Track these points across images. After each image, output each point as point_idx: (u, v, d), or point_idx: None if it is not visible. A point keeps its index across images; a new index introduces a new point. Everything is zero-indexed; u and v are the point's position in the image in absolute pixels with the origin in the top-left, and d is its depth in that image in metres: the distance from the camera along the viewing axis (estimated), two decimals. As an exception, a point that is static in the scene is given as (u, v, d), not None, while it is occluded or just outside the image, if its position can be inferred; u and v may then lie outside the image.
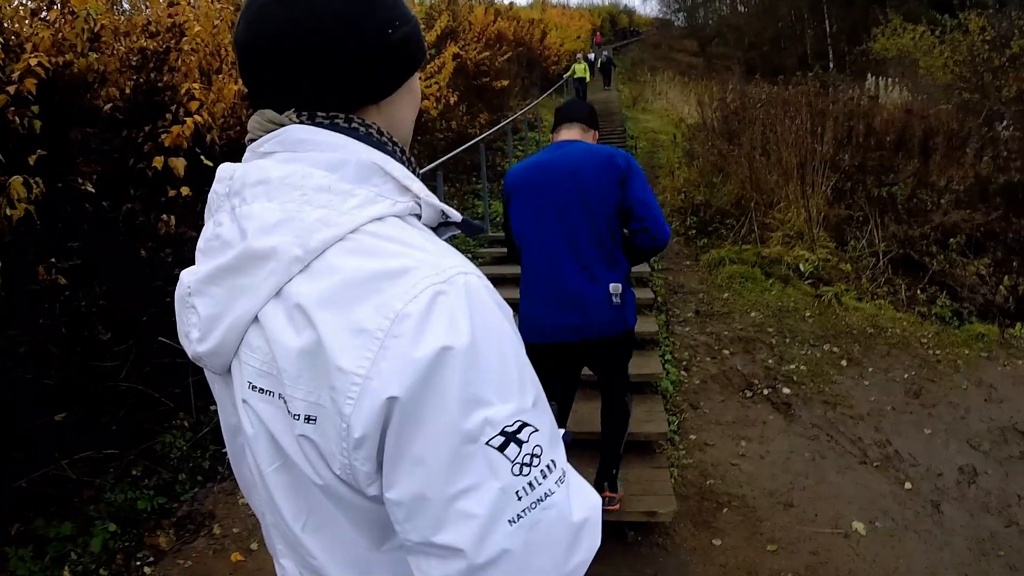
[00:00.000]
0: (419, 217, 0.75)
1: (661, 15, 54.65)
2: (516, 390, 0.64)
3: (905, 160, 9.13)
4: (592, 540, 0.67)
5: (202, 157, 3.93)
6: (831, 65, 27.48)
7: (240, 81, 4.35)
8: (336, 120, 0.75)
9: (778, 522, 3.61)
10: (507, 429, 0.62)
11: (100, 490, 3.62)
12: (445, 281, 0.63)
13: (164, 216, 3.90)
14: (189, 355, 0.79)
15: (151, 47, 4.26)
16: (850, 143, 9.03)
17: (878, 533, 3.54)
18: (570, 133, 2.90)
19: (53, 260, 3.46)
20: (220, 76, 4.53)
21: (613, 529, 3.38)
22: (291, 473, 0.71)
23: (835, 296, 6.33)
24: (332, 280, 0.64)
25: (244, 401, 0.73)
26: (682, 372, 5.23)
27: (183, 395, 4.20)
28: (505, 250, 3.77)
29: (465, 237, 6.90)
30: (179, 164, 3.76)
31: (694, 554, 3.38)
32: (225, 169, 0.77)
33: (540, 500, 0.63)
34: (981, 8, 20.70)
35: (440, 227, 0.80)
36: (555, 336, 2.72)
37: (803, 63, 24.53)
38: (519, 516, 0.62)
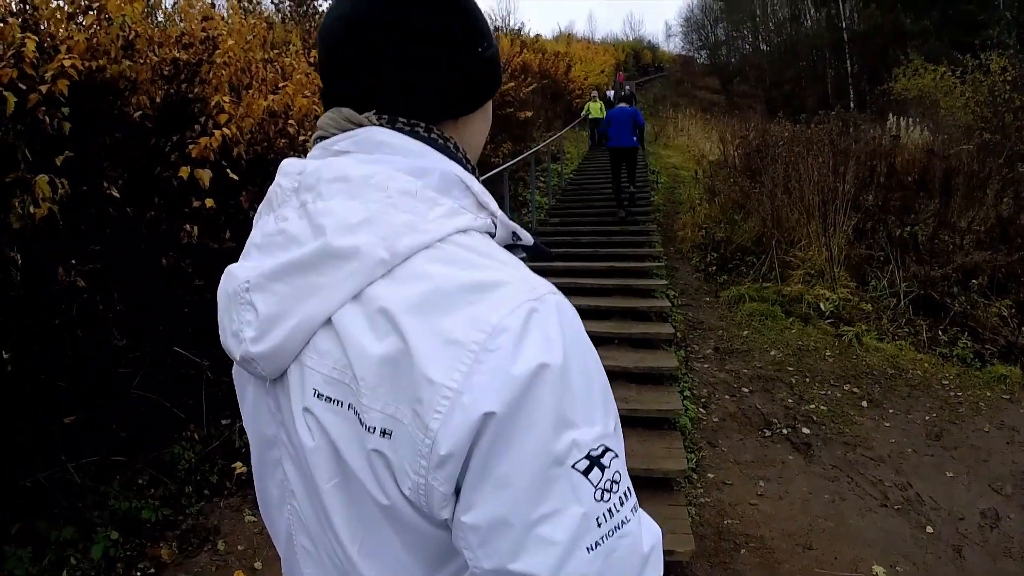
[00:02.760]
0: (493, 236, 0.73)
1: (684, 52, 55.10)
2: (601, 413, 0.62)
3: (926, 200, 9.06)
4: (657, 570, 0.65)
5: (228, 170, 3.98)
6: (852, 105, 27.42)
7: (270, 98, 4.45)
8: (417, 128, 0.74)
9: (797, 565, 3.56)
10: (592, 453, 0.60)
11: (105, 496, 3.58)
12: (538, 299, 0.62)
13: (187, 226, 3.91)
14: (236, 356, 0.73)
15: (184, 58, 4.30)
16: (872, 183, 8.98)
17: (898, 577, 3.48)
18: None
19: (73, 262, 3.45)
20: (250, 92, 4.55)
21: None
22: (350, 491, 0.66)
23: (856, 336, 6.28)
24: (422, 287, 0.61)
25: (306, 410, 0.67)
26: (701, 409, 5.21)
27: (195, 407, 4.17)
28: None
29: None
30: (205, 176, 3.78)
31: (712, 595, 3.34)
32: (292, 164, 0.75)
33: (617, 528, 0.61)
34: (1002, 48, 20.58)
35: (508, 247, 0.76)
36: None
37: (824, 102, 24.46)
38: (597, 544, 0.59)
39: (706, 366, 5.96)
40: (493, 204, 0.74)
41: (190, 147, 3.85)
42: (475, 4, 0.79)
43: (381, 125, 0.73)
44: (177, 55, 4.32)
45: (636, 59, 46.62)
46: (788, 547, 3.70)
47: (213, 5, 5.13)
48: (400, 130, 0.73)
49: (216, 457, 4.03)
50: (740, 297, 7.33)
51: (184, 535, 3.55)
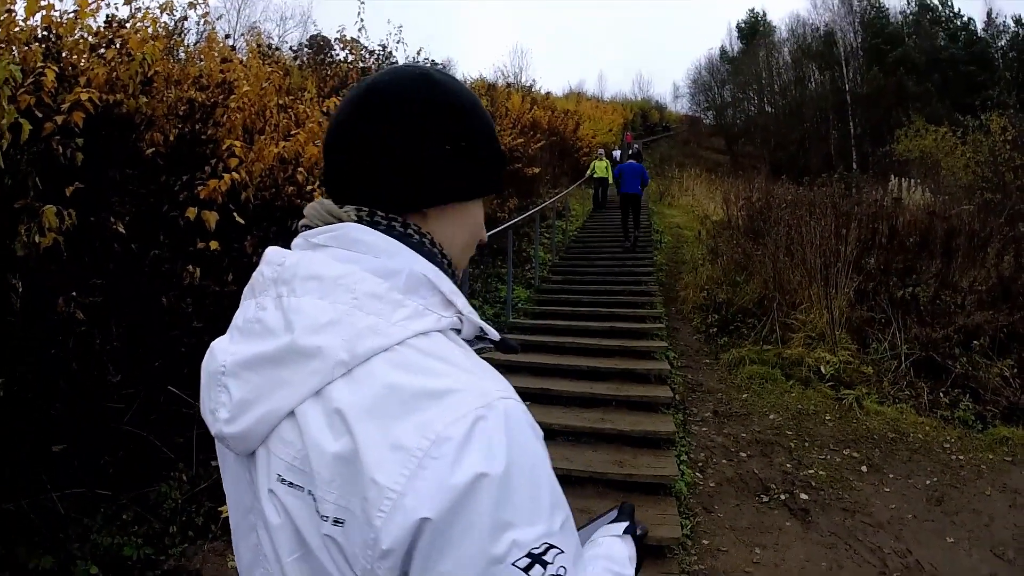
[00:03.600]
0: (459, 332, 0.77)
1: (691, 112, 55.76)
2: (546, 514, 0.65)
3: (928, 261, 9.10)
4: None
5: (235, 214, 4.02)
6: (855, 166, 27.81)
7: (280, 145, 4.52)
8: (393, 223, 0.79)
9: (794, 637, 3.51)
10: (533, 551, 0.63)
11: (87, 529, 3.55)
12: (486, 406, 0.65)
13: (190, 267, 3.94)
14: (212, 431, 0.78)
15: (199, 99, 4.40)
16: (874, 244, 9.04)
17: (899, 651, 3.42)
18: None
19: (74, 294, 3.48)
20: (262, 137, 4.59)
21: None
22: (311, 565, 0.69)
23: (856, 399, 6.25)
24: (375, 391, 0.65)
25: (271, 492, 0.72)
26: (697, 474, 5.17)
27: (185, 446, 4.16)
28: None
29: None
30: (211, 217, 3.83)
31: (704, 669, 3.30)
32: (275, 254, 0.79)
33: None
34: (1002, 108, 20.88)
35: (475, 339, 0.81)
36: None
37: (828, 163, 24.83)
38: None
39: (704, 429, 5.94)
40: (461, 301, 0.77)
41: (199, 188, 3.91)
42: (464, 106, 0.84)
43: (360, 219, 0.78)
44: (194, 95, 4.41)
45: (644, 118, 47.31)
46: (784, 617, 3.65)
47: (233, 48, 5.21)
48: (376, 225, 0.78)
49: (203, 499, 3.98)
50: (740, 359, 7.32)
51: (165, 575, 3.49)
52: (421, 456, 0.62)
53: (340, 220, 0.79)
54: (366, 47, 12.72)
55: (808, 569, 4.05)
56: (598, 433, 5.36)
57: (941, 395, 6.38)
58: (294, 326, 0.70)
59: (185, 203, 3.92)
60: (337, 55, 12.99)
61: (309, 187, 4.70)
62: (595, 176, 18.00)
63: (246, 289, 0.81)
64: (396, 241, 0.77)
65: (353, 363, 0.67)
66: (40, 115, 3.38)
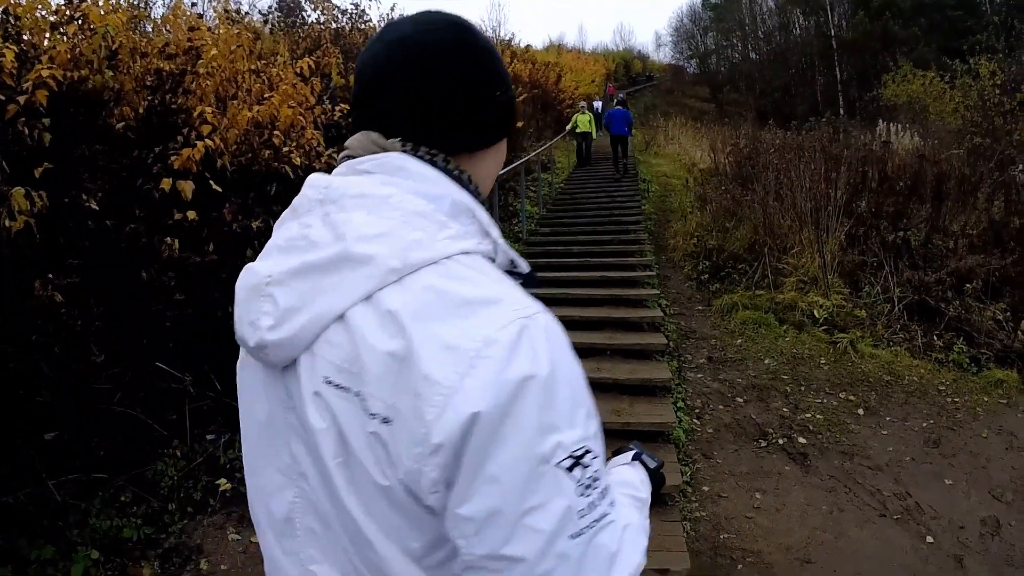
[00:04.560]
0: (493, 260, 0.81)
1: (674, 61, 55.25)
2: (583, 419, 0.70)
3: (918, 205, 9.06)
4: (631, 558, 0.73)
5: (211, 182, 3.92)
6: (842, 111, 27.66)
7: (254, 109, 4.41)
8: (436, 158, 0.82)
9: (795, 579, 3.49)
10: (575, 453, 0.67)
11: (86, 515, 3.51)
12: (529, 317, 0.69)
13: (168, 239, 3.84)
14: (250, 343, 0.80)
15: (167, 68, 4.25)
16: (864, 188, 8.97)
17: (900, 591, 3.41)
18: None
19: (51, 276, 3.38)
20: (235, 102, 4.48)
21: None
22: (352, 469, 0.72)
23: (850, 343, 6.24)
24: (427, 297, 0.69)
25: (316, 394, 0.74)
26: (695, 420, 5.14)
27: (178, 423, 4.10)
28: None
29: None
30: (187, 187, 3.75)
31: (709, 614, 3.27)
32: (319, 178, 0.82)
33: (597, 520, 0.69)
34: (991, 53, 20.75)
35: (506, 272, 0.83)
36: None
37: (814, 109, 24.65)
38: (579, 533, 0.68)
39: (700, 376, 5.90)
40: (496, 232, 0.83)
41: (172, 158, 3.79)
42: (494, 52, 0.89)
43: (405, 152, 0.81)
44: (161, 65, 4.26)
45: (626, 69, 46.76)
46: (786, 561, 3.64)
47: (201, 16, 5.08)
48: (421, 158, 0.81)
49: (200, 474, 3.95)
50: (733, 305, 7.28)
51: (166, 554, 3.47)
52: (473, 356, 0.66)
53: (386, 151, 0.82)
54: (338, 7, 12.33)
55: (809, 513, 4.04)
56: (593, 383, 5.18)
57: (935, 338, 6.39)
58: (345, 236, 0.74)
59: (159, 175, 3.81)
60: (309, 16, 12.63)
61: (286, 149, 4.61)
62: (578, 131, 16.84)
63: (285, 213, 0.84)
64: (438, 171, 0.81)
65: (404, 271, 0.71)
66: (3, 98, 3.25)
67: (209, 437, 4.20)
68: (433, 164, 0.82)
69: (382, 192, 0.76)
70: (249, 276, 0.81)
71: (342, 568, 0.79)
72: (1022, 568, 3.60)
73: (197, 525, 3.69)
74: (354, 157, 0.83)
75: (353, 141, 0.85)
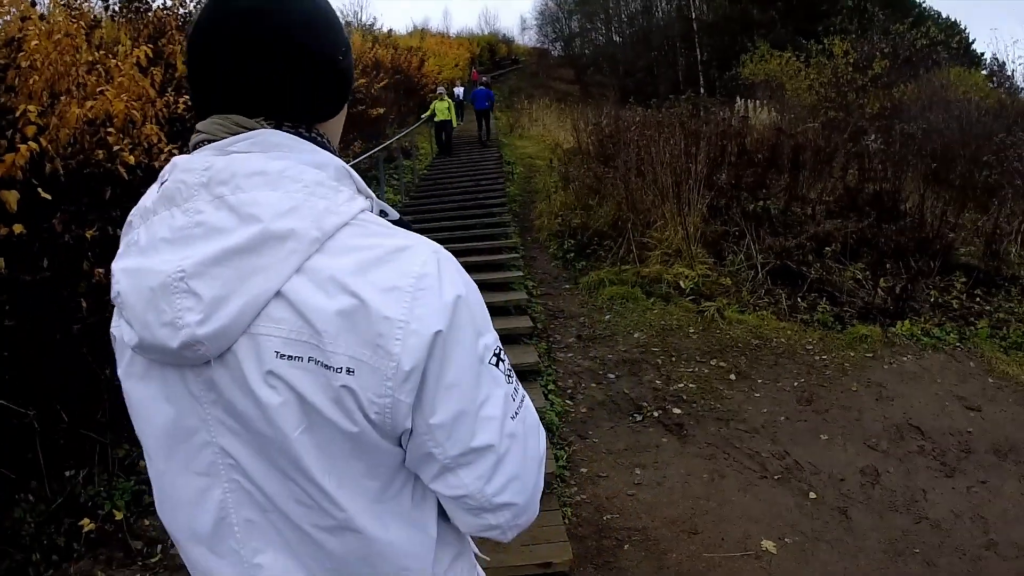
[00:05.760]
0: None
1: (539, 44, 56.33)
2: (491, 325, 0.88)
3: (776, 176, 9.58)
4: (542, 429, 0.96)
5: (40, 190, 3.68)
6: (702, 90, 29.03)
7: (86, 105, 4.20)
8: (300, 129, 0.90)
9: (684, 552, 3.49)
10: (495, 351, 0.87)
11: None
12: (437, 251, 0.84)
13: None
14: (173, 344, 0.79)
15: None
16: (724, 162, 9.38)
17: (789, 549, 3.48)
18: None
19: None
20: (65, 98, 4.15)
21: (506, 587, 3.16)
22: (316, 433, 0.80)
23: (717, 311, 6.42)
24: (355, 256, 0.80)
25: (269, 372, 0.79)
26: (567, 401, 5.08)
27: (31, 462, 3.83)
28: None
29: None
30: (11, 197, 3.50)
31: (598, 600, 3.18)
32: (193, 160, 0.84)
33: (523, 400, 0.91)
34: (844, 34, 22.55)
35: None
36: None
37: (676, 88, 25.65)
38: (516, 412, 0.88)
39: (570, 355, 5.87)
40: (367, 189, 0.93)
41: None
42: (335, 16, 0.96)
43: (269, 128, 0.87)
44: None
45: (491, 52, 47.28)
46: (672, 535, 3.63)
47: (34, 4, 4.54)
48: (287, 131, 0.88)
49: (62, 516, 3.76)
50: (600, 282, 7.36)
51: None
52: (413, 290, 0.79)
53: (251, 130, 0.86)
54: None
55: (690, 482, 4.05)
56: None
57: (799, 300, 6.70)
58: (259, 216, 0.78)
59: None
60: (154, 1, 11.82)
61: (118, 147, 4.29)
62: (436, 119, 16.38)
63: (150, 205, 0.85)
64: (308, 142, 0.88)
65: (324, 239, 0.80)
66: None
67: (68, 474, 3.97)
68: (299, 135, 0.88)
69: (276, 167, 0.82)
70: (146, 277, 0.81)
71: (286, 551, 0.88)
72: (905, 512, 3.77)
73: (64, 574, 3.51)
74: (212, 141, 0.86)
75: (210, 125, 0.88)
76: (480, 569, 1.12)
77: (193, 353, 0.80)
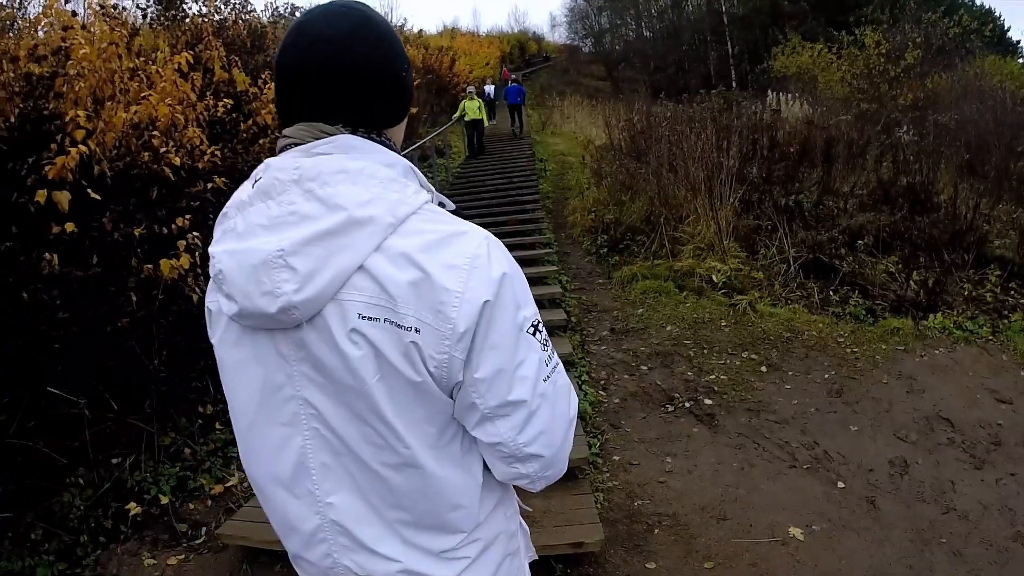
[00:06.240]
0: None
1: (569, 41, 56.15)
2: (532, 301, 1.04)
3: (809, 169, 9.55)
4: (575, 396, 1.12)
5: (89, 191, 3.82)
6: (734, 84, 28.84)
7: (131, 109, 4.33)
8: (372, 135, 1.05)
9: (713, 537, 3.56)
10: (534, 323, 1.02)
11: None
12: (488, 237, 1.00)
13: (47, 255, 3.68)
14: (271, 310, 0.95)
15: (37, 72, 4.08)
16: (755, 156, 9.36)
17: (816, 537, 3.53)
18: None
19: None
20: (111, 104, 4.31)
21: (539, 565, 3.26)
22: (388, 382, 0.96)
23: (749, 304, 6.47)
24: (423, 237, 0.96)
25: (353, 330, 0.95)
26: (600, 392, 5.19)
27: (80, 449, 3.97)
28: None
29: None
30: (63, 198, 3.62)
31: (627, 581, 3.27)
32: (284, 160, 1.00)
33: (556, 367, 1.06)
34: (876, 24, 22.17)
35: None
36: None
37: (707, 83, 25.54)
38: (548, 376, 1.03)
39: (603, 348, 5.97)
40: (428, 184, 1.09)
41: (46, 168, 3.63)
42: (396, 36, 1.10)
43: (351, 134, 1.04)
44: (30, 69, 4.08)
45: (521, 50, 47.26)
46: (702, 521, 3.70)
47: (75, 13, 4.73)
48: (362, 136, 1.04)
49: (109, 500, 3.89)
50: (633, 276, 7.44)
51: None
52: (468, 268, 0.95)
53: (332, 135, 1.02)
54: (220, -4, 11.81)
55: (721, 471, 4.14)
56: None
57: (831, 293, 6.72)
58: (344, 205, 0.94)
59: (34, 187, 3.64)
60: (190, 8, 12.06)
61: (163, 150, 4.47)
62: (466, 119, 16.11)
63: (250, 197, 1.01)
64: (379, 144, 1.04)
65: (398, 224, 0.96)
66: None
67: (115, 460, 4.10)
68: (371, 139, 1.04)
69: (355, 166, 0.97)
70: (249, 255, 0.97)
71: (355, 491, 1.04)
72: (932, 503, 3.79)
73: (111, 555, 3.63)
74: (298, 144, 1.02)
75: (297, 131, 1.03)
76: (522, 520, 1.30)
77: (288, 316, 0.96)
